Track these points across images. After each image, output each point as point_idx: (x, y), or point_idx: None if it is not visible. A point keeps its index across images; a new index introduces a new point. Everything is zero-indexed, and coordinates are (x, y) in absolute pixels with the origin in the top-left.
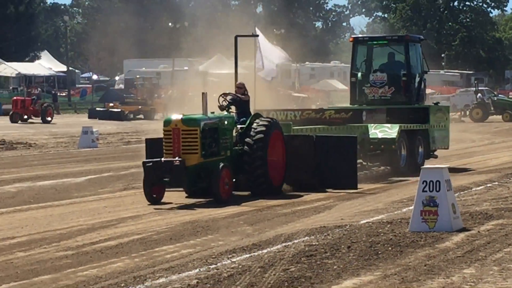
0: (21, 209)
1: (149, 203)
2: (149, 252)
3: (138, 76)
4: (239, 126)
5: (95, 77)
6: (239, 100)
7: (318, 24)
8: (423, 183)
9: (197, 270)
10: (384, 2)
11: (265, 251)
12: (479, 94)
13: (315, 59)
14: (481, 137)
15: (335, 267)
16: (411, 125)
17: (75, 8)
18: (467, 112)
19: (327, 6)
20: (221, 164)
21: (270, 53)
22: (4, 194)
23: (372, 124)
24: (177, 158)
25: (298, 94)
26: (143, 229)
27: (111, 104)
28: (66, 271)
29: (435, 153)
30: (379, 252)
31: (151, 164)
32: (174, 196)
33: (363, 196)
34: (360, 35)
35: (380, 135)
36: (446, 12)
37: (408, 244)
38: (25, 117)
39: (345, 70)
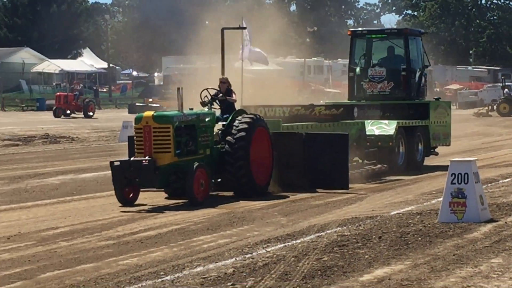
0: (64, 201)
1: (121, 205)
2: (187, 242)
3: (176, 73)
4: (221, 124)
5: (135, 73)
6: (222, 95)
7: (350, 22)
8: (451, 176)
9: (233, 259)
10: (414, 0)
11: (298, 241)
12: (506, 89)
13: (347, 56)
14: (508, 130)
15: (366, 256)
16: (410, 122)
17: (115, 7)
18: (494, 107)
19: (358, 4)
20: (196, 164)
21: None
22: (48, 186)
23: (369, 121)
24: (146, 158)
25: (330, 90)
26: (181, 219)
27: (150, 100)
28: (108, 260)
29: (436, 150)
30: (409, 242)
31: (118, 164)
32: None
33: (394, 188)
34: (358, 29)
35: (377, 132)
36: (473, 10)
37: (437, 234)
38: (68, 112)
39: None
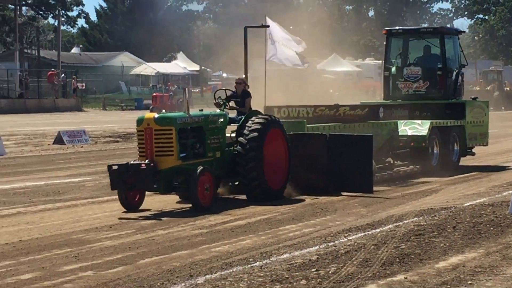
0: (157, 192)
1: (124, 210)
2: (274, 231)
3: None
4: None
5: (224, 75)
6: (237, 96)
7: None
8: None
9: (317, 247)
10: (485, 5)
11: (378, 230)
12: None
13: None
14: None
15: (441, 245)
16: (444, 122)
17: (206, 14)
18: None
19: (432, 9)
20: (200, 168)
21: (287, 42)
22: None
23: (402, 121)
24: (145, 161)
25: None
26: (269, 210)
27: None
28: (201, 247)
29: (473, 150)
30: (482, 232)
31: (116, 167)
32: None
33: (467, 181)
34: (394, 28)
35: (409, 132)
36: None
37: (508, 224)
38: (163, 111)
39: None
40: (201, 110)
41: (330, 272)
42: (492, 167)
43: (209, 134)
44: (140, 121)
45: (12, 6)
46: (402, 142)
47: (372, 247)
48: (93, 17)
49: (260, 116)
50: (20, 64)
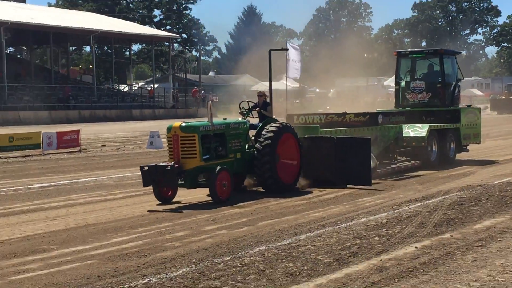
0: None
1: (159, 202)
2: (354, 202)
3: (343, 90)
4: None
5: (317, 90)
6: (257, 107)
7: (463, 52)
8: None
9: (386, 213)
10: (508, 36)
11: (430, 201)
12: None
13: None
14: None
15: (478, 212)
16: (441, 125)
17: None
18: None
19: (469, 40)
20: (218, 167)
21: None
22: None
23: (406, 125)
24: (171, 163)
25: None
26: (351, 187)
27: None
28: (302, 213)
29: (468, 147)
30: (508, 202)
31: (147, 168)
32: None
33: (496, 165)
34: (402, 50)
35: (411, 134)
36: None
37: None
38: None
39: (481, 82)
40: (225, 119)
41: (396, 231)
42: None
43: (230, 138)
44: (169, 129)
45: (167, 43)
46: (405, 142)
47: (426, 213)
48: (224, 49)
49: (274, 124)
50: (172, 84)
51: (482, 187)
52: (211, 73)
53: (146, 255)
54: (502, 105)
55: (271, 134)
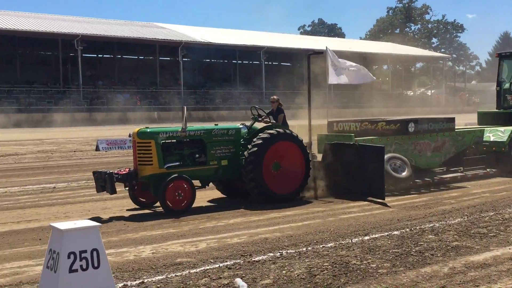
0: None
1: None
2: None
3: None
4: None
5: None
6: (272, 112)
7: None
8: None
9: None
10: None
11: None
12: None
13: None
14: None
15: None
16: None
17: None
18: None
19: None
20: (173, 175)
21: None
22: None
23: (488, 128)
24: (108, 171)
25: None
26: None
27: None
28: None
29: None
30: None
31: (96, 175)
32: None
33: None
34: (504, 51)
35: (492, 138)
36: None
37: None
38: None
39: None
40: (216, 125)
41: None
42: None
43: (213, 145)
44: (131, 135)
45: (441, 62)
46: (485, 146)
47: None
48: (483, 64)
49: (266, 132)
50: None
51: None
52: (473, 82)
53: (430, 207)
54: None
55: (260, 141)
